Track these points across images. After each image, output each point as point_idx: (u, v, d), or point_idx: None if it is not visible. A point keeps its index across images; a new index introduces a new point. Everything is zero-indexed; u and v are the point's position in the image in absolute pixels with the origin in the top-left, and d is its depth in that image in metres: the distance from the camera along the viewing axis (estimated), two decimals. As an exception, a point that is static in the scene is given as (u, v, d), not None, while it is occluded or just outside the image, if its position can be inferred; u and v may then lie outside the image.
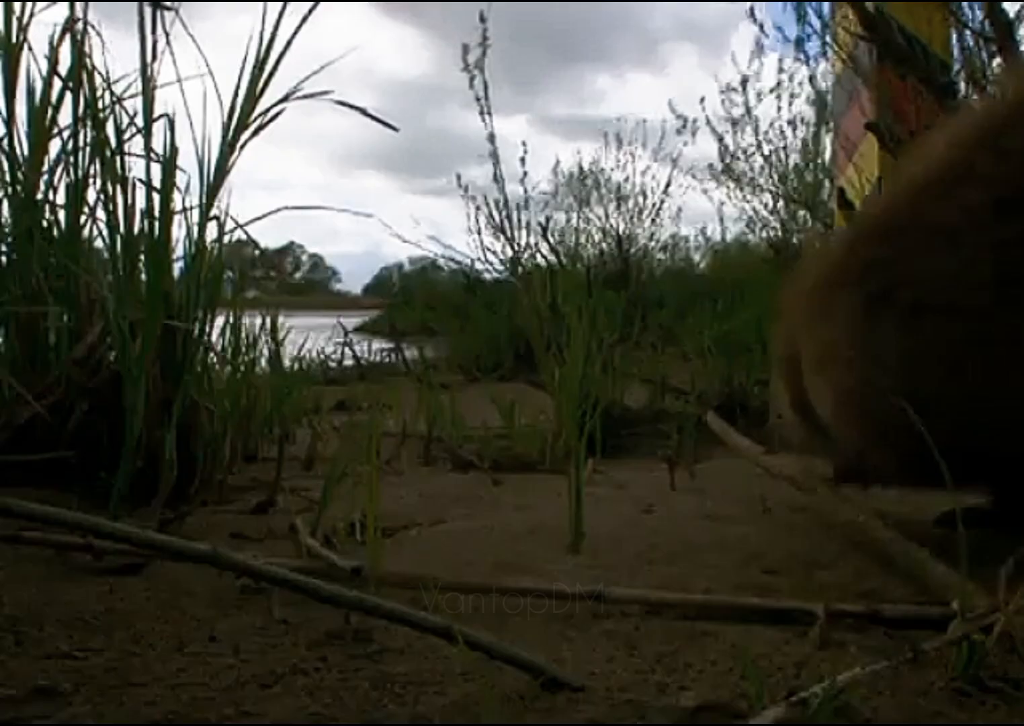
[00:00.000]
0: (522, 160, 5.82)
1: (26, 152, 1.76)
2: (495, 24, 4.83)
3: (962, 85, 3.07)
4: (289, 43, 1.74)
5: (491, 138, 4.95)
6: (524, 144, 5.89)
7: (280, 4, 1.71)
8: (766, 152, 6.67)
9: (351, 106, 1.80)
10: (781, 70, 6.42)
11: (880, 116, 3.07)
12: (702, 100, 6.82)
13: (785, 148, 6.65)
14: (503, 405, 2.50)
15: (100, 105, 1.74)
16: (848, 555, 1.39)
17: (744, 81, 6.57)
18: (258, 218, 1.81)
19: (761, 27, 5.04)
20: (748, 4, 5.85)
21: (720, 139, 6.78)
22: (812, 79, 5.62)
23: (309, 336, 2.74)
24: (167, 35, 1.67)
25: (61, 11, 1.76)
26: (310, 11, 1.74)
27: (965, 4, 3.22)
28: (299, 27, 1.74)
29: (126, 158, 1.70)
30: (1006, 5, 2.55)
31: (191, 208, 1.75)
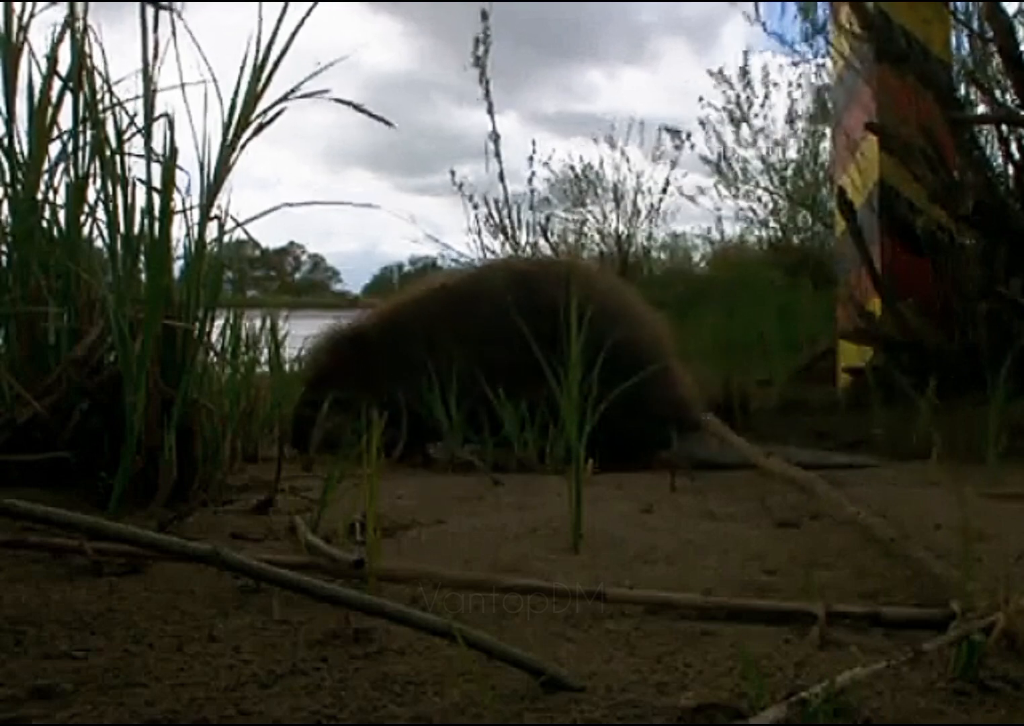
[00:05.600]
0: (530, 159, 5.84)
1: (26, 152, 1.76)
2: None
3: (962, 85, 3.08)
4: (290, 42, 1.73)
5: (495, 138, 4.94)
6: (533, 143, 5.93)
7: (278, 3, 1.71)
8: (763, 151, 6.67)
9: (351, 105, 1.79)
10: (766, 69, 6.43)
11: (881, 116, 3.07)
12: (700, 99, 6.82)
13: (783, 147, 6.65)
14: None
15: (100, 105, 1.73)
16: (848, 555, 1.39)
17: (745, 75, 6.56)
18: (258, 216, 1.80)
19: (764, 26, 5.03)
20: (750, 4, 5.83)
21: (718, 138, 6.77)
22: (813, 76, 5.62)
23: (309, 336, 2.74)
24: (173, 33, 1.66)
25: (62, 11, 1.76)
26: (310, 10, 1.74)
27: (965, 4, 3.22)
28: (299, 26, 1.73)
29: (126, 158, 1.70)
30: (1006, 5, 2.55)
31: (191, 208, 1.74)
